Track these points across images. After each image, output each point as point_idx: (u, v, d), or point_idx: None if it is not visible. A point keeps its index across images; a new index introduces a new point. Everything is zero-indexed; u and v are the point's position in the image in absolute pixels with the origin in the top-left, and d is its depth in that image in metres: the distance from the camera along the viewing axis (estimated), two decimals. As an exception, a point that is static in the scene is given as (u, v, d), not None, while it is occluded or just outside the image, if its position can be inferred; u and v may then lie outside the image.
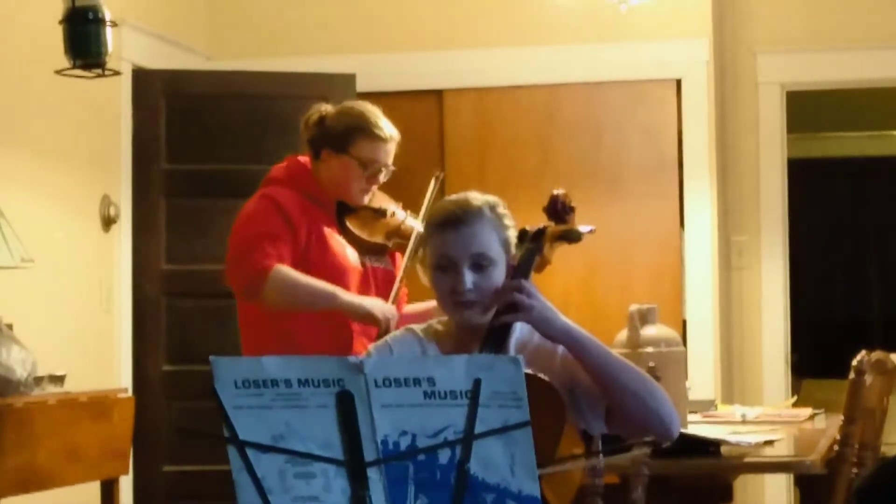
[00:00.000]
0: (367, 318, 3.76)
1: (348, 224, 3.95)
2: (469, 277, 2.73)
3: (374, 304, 3.79)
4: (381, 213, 3.97)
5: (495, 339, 2.70)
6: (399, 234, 3.98)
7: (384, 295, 3.91)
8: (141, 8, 5.88)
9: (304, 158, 4.01)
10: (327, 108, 3.97)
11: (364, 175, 3.89)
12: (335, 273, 3.83)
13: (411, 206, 4.06)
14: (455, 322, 2.79)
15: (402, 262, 3.97)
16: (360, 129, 3.88)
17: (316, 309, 3.79)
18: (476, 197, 2.80)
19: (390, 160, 3.93)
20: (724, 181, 6.47)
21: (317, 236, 3.86)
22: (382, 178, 3.94)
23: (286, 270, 3.73)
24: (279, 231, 3.80)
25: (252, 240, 3.78)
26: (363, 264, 3.93)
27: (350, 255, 3.91)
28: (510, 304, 2.68)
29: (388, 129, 3.91)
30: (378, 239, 3.97)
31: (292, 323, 3.84)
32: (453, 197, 2.82)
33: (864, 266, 10.26)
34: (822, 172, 9.88)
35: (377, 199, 4.00)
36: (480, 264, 2.74)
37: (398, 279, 3.94)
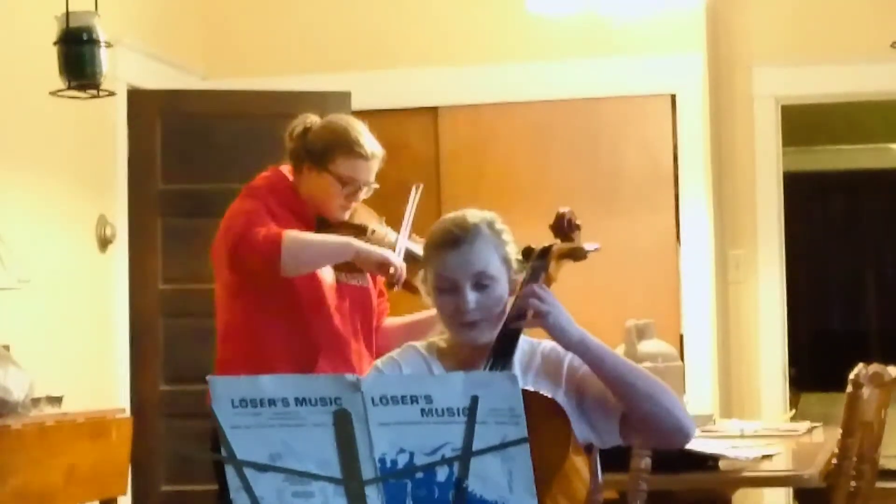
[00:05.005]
0: (383, 264, 3.68)
1: None
2: (471, 297, 2.71)
3: (389, 252, 3.72)
4: (360, 231, 3.84)
5: (506, 344, 2.68)
6: None
7: (357, 313, 3.85)
8: (136, 28, 5.88)
9: (286, 168, 3.91)
10: (314, 119, 3.85)
11: (343, 192, 3.78)
12: (311, 284, 3.74)
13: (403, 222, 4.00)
14: (459, 341, 2.77)
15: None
16: (340, 146, 3.76)
17: (335, 262, 3.73)
18: (473, 214, 2.78)
19: (372, 177, 3.81)
20: (721, 195, 6.48)
21: None
22: (363, 195, 3.82)
23: (296, 232, 3.66)
24: (270, 221, 3.73)
25: (252, 219, 3.70)
26: (337, 280, 3.84)
27: (325, 270, 3.81)
28: (525, 309, 2.66)
29: (370, 146, 3.78)
30: None
31: (261, 340, 3.75)
32: (450, 216, 2.80)
33: (861, 279, 10.27)
34: (818, 186, 9.90)
35: (360, 214, 3.89)
36: (482, 283, 2.71)
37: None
